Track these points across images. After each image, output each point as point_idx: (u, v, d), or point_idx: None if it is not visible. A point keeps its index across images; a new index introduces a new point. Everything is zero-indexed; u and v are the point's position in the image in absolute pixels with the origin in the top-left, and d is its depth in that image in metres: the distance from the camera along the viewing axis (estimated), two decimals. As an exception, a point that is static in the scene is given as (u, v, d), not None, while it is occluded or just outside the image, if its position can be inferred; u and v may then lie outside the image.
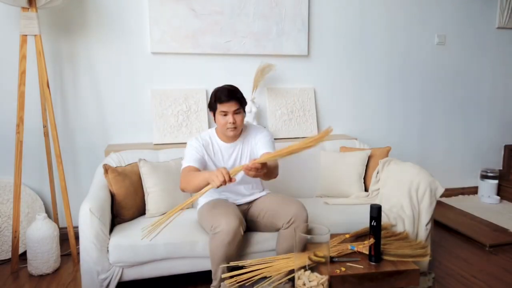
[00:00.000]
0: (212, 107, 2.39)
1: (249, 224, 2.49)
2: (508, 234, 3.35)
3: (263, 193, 2.60)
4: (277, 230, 2.39)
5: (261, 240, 2.47)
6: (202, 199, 2.53)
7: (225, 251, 2.18)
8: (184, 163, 2.36)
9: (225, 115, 2.34)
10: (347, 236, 2.34)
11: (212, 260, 2.24)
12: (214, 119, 2.42)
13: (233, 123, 2.33)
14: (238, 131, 2.42)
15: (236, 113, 2.35)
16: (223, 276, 2.12)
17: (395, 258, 2.14)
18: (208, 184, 2.04)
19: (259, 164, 2.01)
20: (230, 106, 2.32)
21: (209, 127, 3.35)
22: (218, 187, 1.97)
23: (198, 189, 2.12)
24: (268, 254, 2.47)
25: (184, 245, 2.35)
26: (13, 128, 2.93)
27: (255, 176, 2.08)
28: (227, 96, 2.31)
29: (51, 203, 3.16)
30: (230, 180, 1.98)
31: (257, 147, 2.47)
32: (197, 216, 2.55)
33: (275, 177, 2.37)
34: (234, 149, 2.48)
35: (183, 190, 2.30)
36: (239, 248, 2.28)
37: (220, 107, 2.33)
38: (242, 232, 2.25)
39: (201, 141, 2.44)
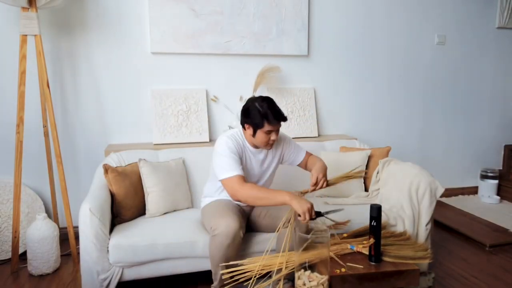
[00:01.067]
0: (255, 124, 2.27)
1: (250, 224, 2.49)
2: (508, 234, 3.35)
3: None
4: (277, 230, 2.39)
5: (262, 240, 2.46)
6: (206, 199, 2.53)
7: (224, 253, 2.18)
8: (230, 171, 2.22)
9: (269, 133, 2.30)
10: (345, 235, 2.34)
11: (212, 262, 2.24)
12: (253, 133, 2.31)
13: (275, 140, 2.33)
14: None
15: (277, 131, 2.34)
16: (222, 272, 2.10)
17: (396, 259, 2.13)
18: (285, 203, 2.10)
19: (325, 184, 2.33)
20: (276, 126, 2.30)
21: (209, 127, 3.35)
22: (303, 221, 2.05)
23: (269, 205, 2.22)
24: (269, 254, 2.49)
25: (184, 245, 2.35)
26: (13, 128, 2.93)
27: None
28: (277, 119, 2.27)
29: (51, 203, 3.16)
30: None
31: (289, 153, 2.55)
32: (200, 215, 2.54)
33: None
34: (265, 155, 2.46)
35: (240, 201, 2.24)
36: (238, 250, 2.28)
37: (268, 127, 2.26)
38: (242, 235, 2.23)
39: (236, 142, 2.35)
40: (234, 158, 2.26)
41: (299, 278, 1.92)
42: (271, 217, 2.41)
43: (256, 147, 2.42)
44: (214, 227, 2.19)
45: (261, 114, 2.25)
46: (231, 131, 2.44)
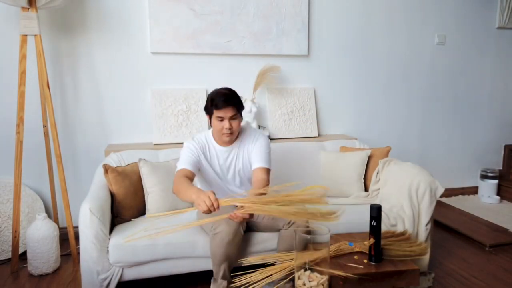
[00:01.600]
0: (208, 111, 2.36)
1: (249, 224, 2.49)
2: (508, 234, 3.35)
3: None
4: (278, 230, 2.39)
5: (262, 240, 2.46)
6: None
7: (225, 251, 2.18)
8: (178, 165, 2.34)
9: (221, 120, 2.31)
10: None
11: (213, 260, 2.24)
12: (210, 123, 2.40)
13: (229, 128, 2.31)
14: (234, 136, 2.40)
15: (233, 119, 2.32)
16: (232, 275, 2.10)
17: (394, 258, 2.13)
18: (192, 200, 2.03)
19: (247, 214, 2.05)
20: (226, 112, 2.29)
21: (209, 127, 3.34)
22: (204, 213, 1.96)
23: (186, 201, 2.19)
24: (269, 254, 2.47)
25: (184, 245, 2.35)
26: (13, 128, 2.92)
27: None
28: (224, 102, 2.27)
29: (51, 203, 3.16)
30: (218, 208, 1.95)
31: (251, 155, 2.45)
32: (196, 216, 2.54)
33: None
34: (230, 153, 2.46)
35: (174, 193, 2.27)
36: (239, 248, 2.29)
37: (216, 113, 2.29)
38: (242, 232, 2.25)
39: (198, 143, 2.41)
40: (186, 155, 2.35)
41: (299, 278, 1.92)
42: (270, 218, 2.40)
43: (224, 144, 2.43)
44: (215, 225, 2.20)
45: (210, 100, 2.31)
46: (201, 133, 2.50)
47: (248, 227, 2.48)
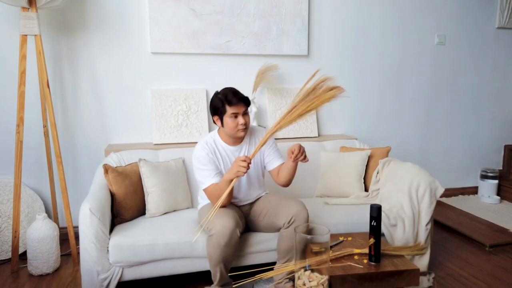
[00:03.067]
0: (219, 110, 2.34)
1: (250, 224, 2.49)
2: (508, 234, 3.34)
3: (263, 193, 2.61)
4: (278, 230, 2.39)
5: (262, 240, 2.47)
6: (203, 200, 2.53)
7: (221, 253, 2.18)
8: (205, 182, 2.33)
9: (236, 117, 2.32)
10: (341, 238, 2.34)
11: (210, 262, 2.25)
12: (221, 123, 2.37)
13: (244, 124, 2.33)
14: (247, 131, 2.44)
15: (245, 114, 2.36)
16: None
17: (393, 256, 2.14)
18: (231, 180, 2.17)
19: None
20: (240, 108, 2.32)
21: (209, 126, 3.35)
22: (245, 173, 2.12)
23: (229, 197, 2.26)
24: (269, 254, 2.50)
25: (184, 245, 2.34)
26: (13, 128, 2.93)
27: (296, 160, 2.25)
28: (237, 98, 2.30)
29: (51, 203, 3.15)
30: (250, 161, 2.14)
31: (266, 156, 2.51)
32: (197, 216, 2.54)
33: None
34: (241, 151, 2.47)
35: (224, 205, 2.29)
36: (236, 249, 2.28)
37: (230, 110, 2.30)
38: (239, 234, 2.24)
39: (208, 149, 2.40)
40: (206, 168, 2.35)
41: (299, 278, 1.92)
42: (270, 217, 2.40)
43: (234, 143, 2.44)
44: (210, 227, 2.20)
45: (221, 99, 2.33)
46: (205, 137, 2.49)
47: (248, 227, 2.48)
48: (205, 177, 2.34)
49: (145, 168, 2.66)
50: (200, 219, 2.44)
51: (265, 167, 2.55)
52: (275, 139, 3.36)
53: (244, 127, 2.34)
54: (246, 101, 2.35)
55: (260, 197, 2.57)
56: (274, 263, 2.46)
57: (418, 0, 3.91)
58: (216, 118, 2.39)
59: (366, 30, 3.81)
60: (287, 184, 2.44)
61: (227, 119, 2.33)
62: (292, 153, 2.23)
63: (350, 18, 3.75)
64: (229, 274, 2.30)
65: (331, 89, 2.20)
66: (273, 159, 2.50)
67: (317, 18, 3.65)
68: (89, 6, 3.13)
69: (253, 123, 3.34)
